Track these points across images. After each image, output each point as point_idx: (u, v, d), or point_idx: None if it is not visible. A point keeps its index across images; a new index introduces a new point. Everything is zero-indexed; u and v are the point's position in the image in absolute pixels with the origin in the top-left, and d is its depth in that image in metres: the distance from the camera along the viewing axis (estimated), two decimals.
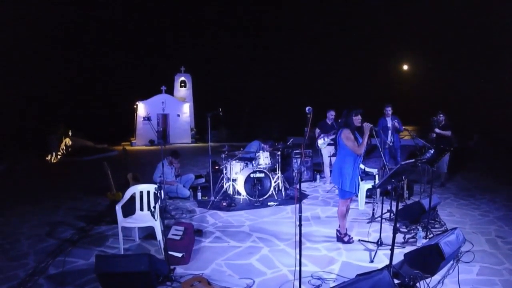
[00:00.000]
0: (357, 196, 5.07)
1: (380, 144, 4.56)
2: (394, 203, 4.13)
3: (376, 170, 6.05)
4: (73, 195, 7.00)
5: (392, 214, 4.92)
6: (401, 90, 31.40)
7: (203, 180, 7.50)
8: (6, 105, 23.76)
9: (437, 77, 33.72)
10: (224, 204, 5.87)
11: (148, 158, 13.66)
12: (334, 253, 3.95)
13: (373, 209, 5.17)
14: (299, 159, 7.81)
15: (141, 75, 36.69)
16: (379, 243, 3.95)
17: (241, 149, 7.42)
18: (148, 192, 4.34)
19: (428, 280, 3.17)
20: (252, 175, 6.18)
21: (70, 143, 18.28)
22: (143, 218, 4.21)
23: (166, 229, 3.92)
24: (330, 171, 6.83)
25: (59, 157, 17.90)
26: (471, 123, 19.34)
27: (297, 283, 2.89)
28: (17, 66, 27.35)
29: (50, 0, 32.92)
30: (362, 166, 5.85)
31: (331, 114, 7.49)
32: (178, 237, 3.85)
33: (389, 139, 7.22)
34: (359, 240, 4.26)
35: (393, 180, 3.43)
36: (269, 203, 6.06)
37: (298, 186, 3.23)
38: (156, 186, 3.89)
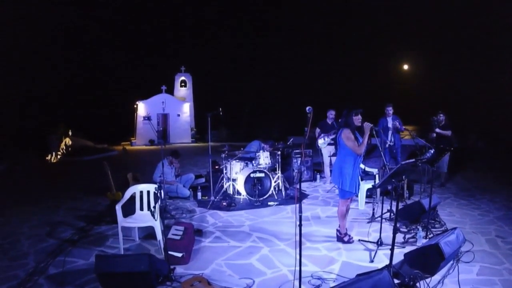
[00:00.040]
0: (357, 196, 5.07)
1: (380, 144, 4.56)
2: (394, 203, 4.13)
3: (376, 170, 6.04)
4: (73, 195, 7.00)
5: (392, 214, 4.92)
6: (401, 90, 31.38)
7: (203, 180, 7.50)
8: (6, 105, 23.80)
9: (437, 77, 33.73)
10: (224, 204, 5.87)
11: (148, 157, 13.66)
12: (334, 253, 3.95)
13: (373, 209, 5.17)
14: (299, 159, 7.81)
15: (141, 75, 36.65)
16: (379, 243, 3.95)
17: (241, 149, 7.42)
18: (148, 192, 4.34)
19: (428, 280, 3.17)
20: (252, 175, 6.18)
21: (70, 143, 18.26)
22: (143, 218, 4.21)
23: (166, 229, 3.93)
24: (330, 171, 6.83)
25: (59, 157, 17.90)
26: (471, 123, 19.33)
27: (297, 283, 2.89)
28: (17, 66, 27.39)
29: (50, 0, 32.96)
30: (362, 166, 5.84)
31: (331, 114, 7.49)
32: (178, 237, 3.85)
33: (389, 139, 7.22)
34: (359, 240, 4.26)
35: (393, 180, 3.43)
36: (269, 203, 6.06)
37: (298, 186, 3.23)
38: (156, 186, 3.90)
